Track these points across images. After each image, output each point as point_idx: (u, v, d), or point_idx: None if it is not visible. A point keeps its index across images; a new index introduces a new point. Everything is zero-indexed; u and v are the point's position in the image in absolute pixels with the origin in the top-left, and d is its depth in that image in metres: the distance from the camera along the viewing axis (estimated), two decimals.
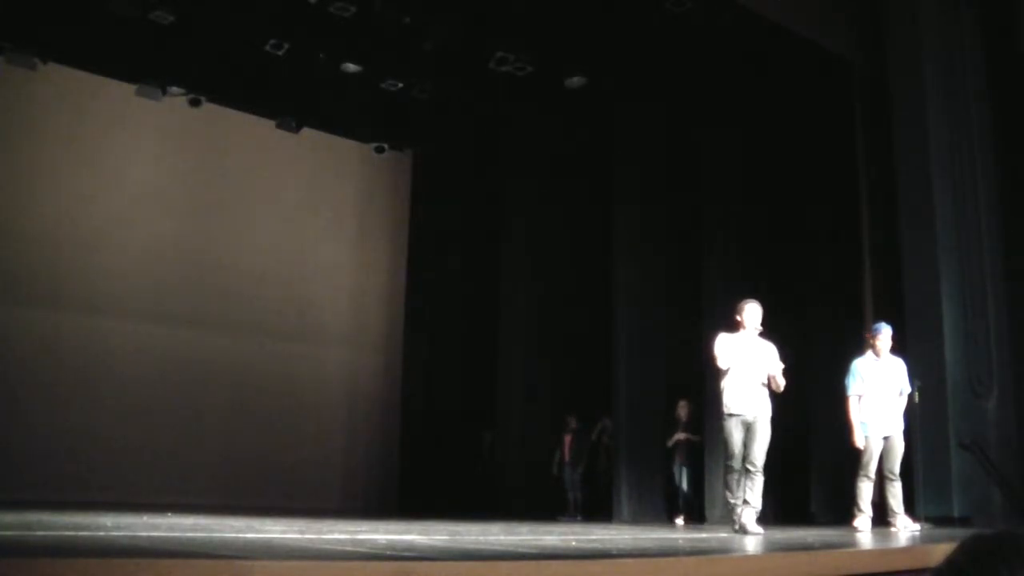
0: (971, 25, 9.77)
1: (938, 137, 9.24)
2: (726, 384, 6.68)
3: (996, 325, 9.22)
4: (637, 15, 10.67)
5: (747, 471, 6.54)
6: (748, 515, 6.48)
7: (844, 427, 7.39)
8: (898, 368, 7.40)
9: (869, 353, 7.40)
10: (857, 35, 10.41)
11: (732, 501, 6.58)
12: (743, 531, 6.36)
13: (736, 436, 6.57)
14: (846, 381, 7.40)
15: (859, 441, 7.17)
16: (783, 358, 6.77)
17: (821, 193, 10.70)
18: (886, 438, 7.19)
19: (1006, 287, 9.41)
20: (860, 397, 7.28)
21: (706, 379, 9.23)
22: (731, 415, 6.61)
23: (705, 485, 10.30)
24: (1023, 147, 9.74)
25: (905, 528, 6.95)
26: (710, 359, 6.76)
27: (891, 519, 7.05)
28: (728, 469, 6.61)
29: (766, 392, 6.69)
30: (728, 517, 6.64)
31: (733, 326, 6.82)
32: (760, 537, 6.19)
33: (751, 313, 6.75)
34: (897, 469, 7.14)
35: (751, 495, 6.52)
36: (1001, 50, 9.84)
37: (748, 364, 6.67)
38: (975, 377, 8.94)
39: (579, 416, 12.16)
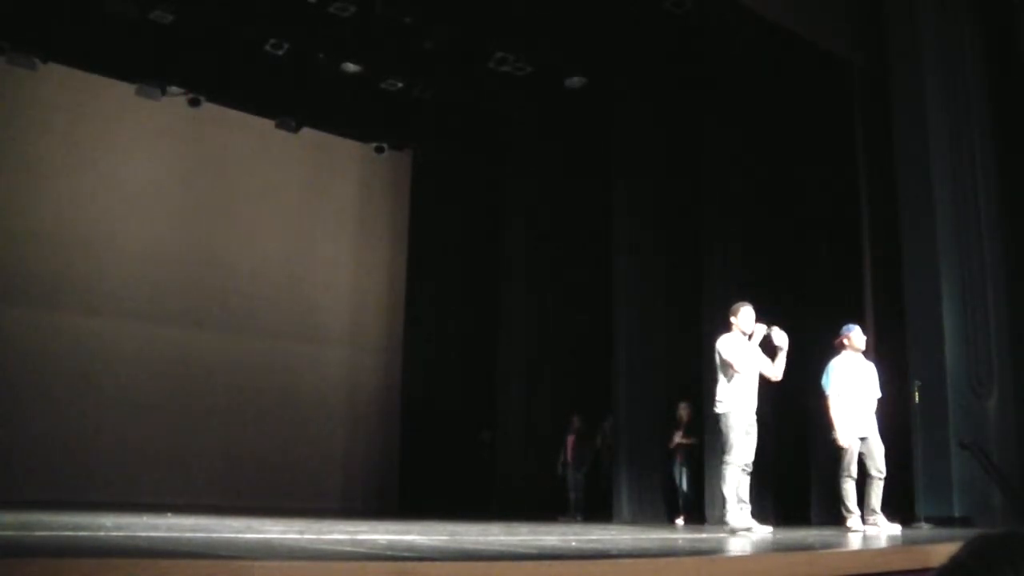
0: (971, 25, 9.76)
1: (938, 137, 9.23)
2: (731, 387, 6.74)
3: (996, 325, 9.21)
4: (637, 15, 10.68)
5: (743, 472, 6.71)
6: (746, 514, 6.65)
7: (827, 427, 7.40)
8: (871, 371, 7.43)
9: (845, 353, 7.41)
10: (857, 35, 10.40)
11: (731, 496, 6.65)
12: (744, 531, 6.51)
13: (741, 436, 6.66)
14: (824, 381, 7.40)
15: (843, 440, 7.16)
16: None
17: (821, 194, 10.69)
18: (863, 438, 7.19)
19: (1006, 287, 9.40)
20: (839, 396, 7.29)
21: (704, 381, 9.23)
22: (735, 417, 6.69)
23: (705, 486, 10.29)
24: (1023, 147, 9.73)
25: (881, 527, 6.97)
26: (727, 364, 6.78)
27: (868, 517, 7.06)
28: (731, 466, 6.65)
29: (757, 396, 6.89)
30: (739, 519, 6.64)
31: (727, 327, 6.92)
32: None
33: (746, 316, 6.88)
34: (882, 467, 7.14)
35: (746, 494, 6.70)
36: (1001, 50, 9.84)
37: (751, 368, 6.82)
38: (975, 377, 8.93)
39: (583, 417, 12.16)
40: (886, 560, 4.35)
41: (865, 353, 7.56)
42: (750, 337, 6.82)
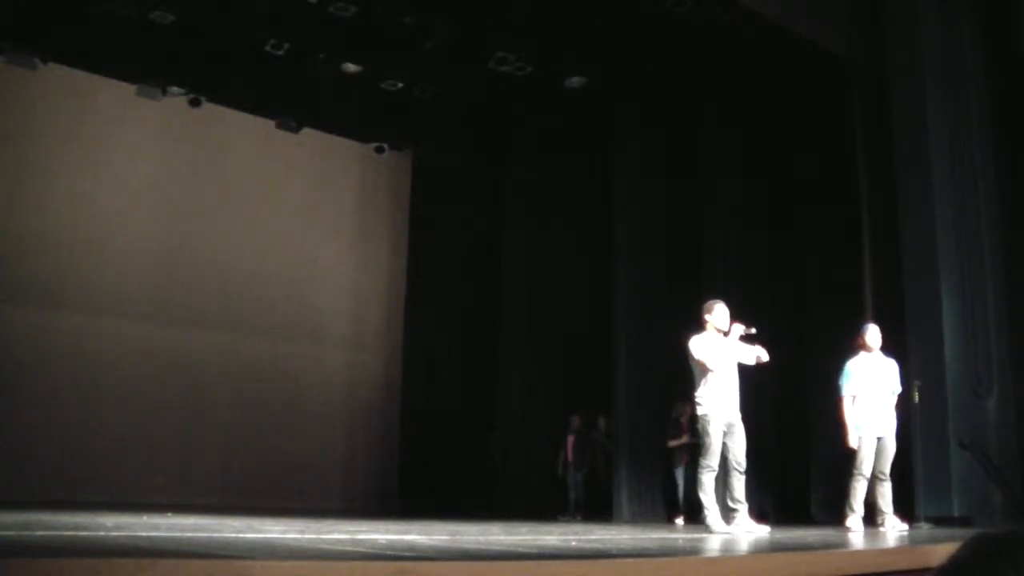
0: (971, 25, 9.77)
1: (938, 136, 9.23)
2: (706, 387, 6.62)
3: (996, 325, 9.21)
4: (637, 15, 10.67)
5: (735, 472, 6.57)
6: (743, 515, 6.55)
7: (838, 427, 7.42)
8: (890, 368, 7.44)
9: (861, 353, 7.43)
10: (857, 34, 10.40)
11: (708, 501, 6.53)
12: (714, 530, 6.44)
13: (719, 438, 6.55)
14: (839, 382, 7.42)
15: (852, 442, 7.19)
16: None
17: (821, 193, 10.70)
18: (879, 438, 7.20)
19: (1006, 287, 9.40)
20: (854, 397, 7.30)
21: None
22: (713, 418, 6.56)
23: None
24: (1023, 146, 9.74)
25: (894, 528, 6.96)
26: (698, 364, 6.66)
27: (880, 519, 7.07)
28: (708, 469, 6.53)
29: (738, 393, 6.72)
30: (718, 523, 6.54)
31: (701, 326, 6.76)
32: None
33: (721, 314, 6.71)
34: (888, 470, 7.16)
35: (741, 494, 6.58)
36: (1001, 50, 9.84)
37: (725, 366, 6.67)
38: (975, 377, 8.93)
39: (583, 416, 12.16)
40: (886, 560, 4.34)
41: (883, 349, 7.57)
42: (726, 335, 6.66)
